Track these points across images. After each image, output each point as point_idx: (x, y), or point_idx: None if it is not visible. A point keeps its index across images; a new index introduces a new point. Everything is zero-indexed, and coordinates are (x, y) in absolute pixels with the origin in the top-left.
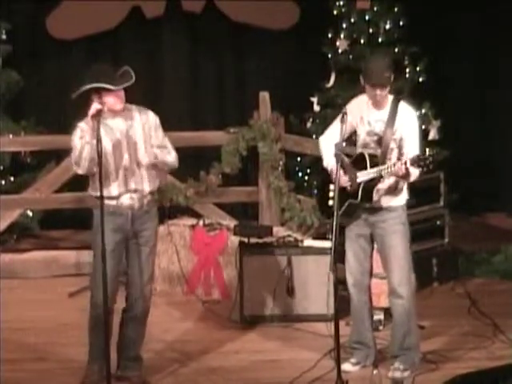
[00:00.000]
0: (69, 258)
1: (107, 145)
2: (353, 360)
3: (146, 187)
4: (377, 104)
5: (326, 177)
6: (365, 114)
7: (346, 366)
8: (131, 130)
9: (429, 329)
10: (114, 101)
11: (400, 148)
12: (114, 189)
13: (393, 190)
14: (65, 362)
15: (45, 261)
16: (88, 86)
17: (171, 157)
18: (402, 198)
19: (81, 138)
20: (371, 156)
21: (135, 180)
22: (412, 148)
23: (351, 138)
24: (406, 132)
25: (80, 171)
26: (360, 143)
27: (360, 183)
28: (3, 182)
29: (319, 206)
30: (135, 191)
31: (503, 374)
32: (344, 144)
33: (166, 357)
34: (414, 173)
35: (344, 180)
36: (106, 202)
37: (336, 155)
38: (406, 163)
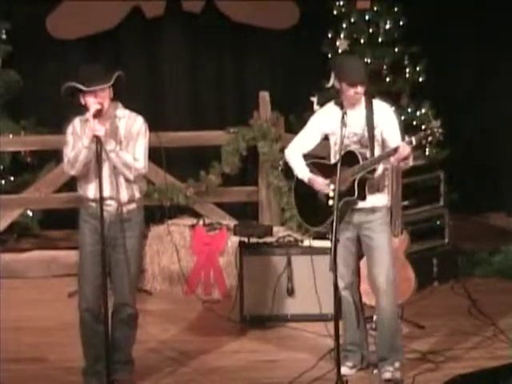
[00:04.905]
0: (68, 258)
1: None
2: (349, 363)
3: (124, 195)
4: (353, 104)
5: (305, 188)
6: (340, 118)
7: (342, 370)
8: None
9: (429, 329)
10: (91, 101)
11: (383, 142)
12: (90, 192)
13: (378, 188)
14: (65, 362)
15: (45, 260)
16: (65, 85)
17: (135, 161)
18: (385, 198)
19: (72, 133)
20: (360, 152)
21: (111, 187)
22: (396, 139)
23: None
24: (386, 126)
25: (72, 172)
26: (338, 148)
27: (354, 180)
28: (3, 182)
29: (305, 218)
30: (111, 198)
31: (503, 374)
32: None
33: (166, 356)
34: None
35: (323, 184)
36: (89, 203)
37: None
38: (411, 142)
